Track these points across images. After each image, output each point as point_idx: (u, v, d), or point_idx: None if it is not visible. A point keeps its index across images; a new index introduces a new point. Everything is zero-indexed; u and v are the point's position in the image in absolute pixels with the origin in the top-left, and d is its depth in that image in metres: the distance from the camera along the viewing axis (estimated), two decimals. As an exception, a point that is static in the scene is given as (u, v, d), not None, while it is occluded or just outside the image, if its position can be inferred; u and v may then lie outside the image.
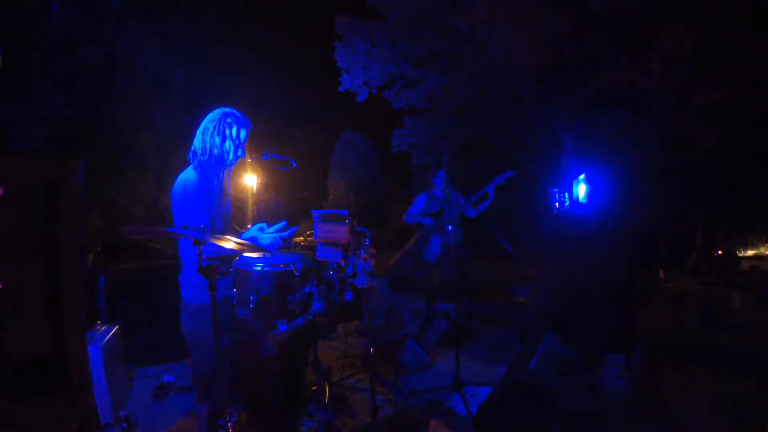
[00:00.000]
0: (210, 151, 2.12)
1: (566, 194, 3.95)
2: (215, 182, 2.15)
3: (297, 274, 1.96)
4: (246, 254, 2.08)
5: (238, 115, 2.20)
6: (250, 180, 5.63)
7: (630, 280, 3.70)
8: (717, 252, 9.04)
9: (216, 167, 2.15)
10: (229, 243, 1.91)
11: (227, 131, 2.14)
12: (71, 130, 6.48)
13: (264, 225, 2.28)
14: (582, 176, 3.89)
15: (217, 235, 2.01)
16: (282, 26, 15.74)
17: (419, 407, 2.91)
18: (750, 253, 14.07)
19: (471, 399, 2.76)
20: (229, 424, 1.81)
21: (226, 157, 2.16)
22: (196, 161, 2.14)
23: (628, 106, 6.32)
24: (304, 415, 2.57)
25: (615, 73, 5.95)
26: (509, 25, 6.07)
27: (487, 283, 6.62)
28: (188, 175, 2.12)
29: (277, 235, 2.22)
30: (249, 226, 2.41)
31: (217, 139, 2.13)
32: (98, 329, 2.96)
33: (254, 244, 2.15)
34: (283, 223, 2.26)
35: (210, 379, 2.03)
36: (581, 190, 3.89)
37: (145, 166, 7.68)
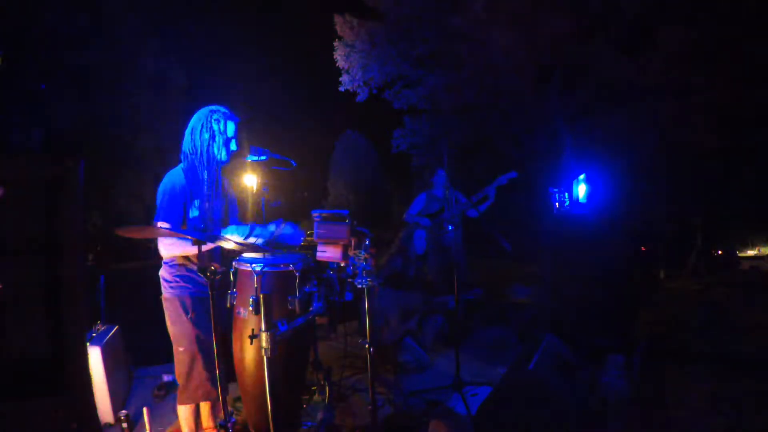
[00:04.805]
0: (200, 149, 2.10)
1: (566, 194, 3.95)
2: (206, 181, 2.11)
3: (297, 274, 1.96)
4: (246, 254, 2.08)
5: (224, 110, 2.17)
6: (250, 180, 5.62)
7: (630, 280, 3.70)
8: (717, 252, 9.04)
9: (207, 165, 2.11)
10: (229, 244, 1.91)
11: (215, 127, 2.11)
12: (71, 130, 6.48)
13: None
14: (582, 176, 3.89)
15: (215, 236, 2.01)
16: (282, 26, 15.76)
17: (419, 407, 2.91)
18: (750, 253, 14.04)
19: (471, 399, 2.75)
20: (230, 425, 1.81)
21: (218, 153, 2.13)
22: (187, 162, 2.12)
23: (627, 106, 6.32)
24: (304, 415, 2.57)
25: (615, 72, 5.95)
26: (509, 25, 6.08)
27: (487, 283, 6.61)
28: (176, 175, 2.07)
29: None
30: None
31: (206, 136, 2.10)
32: (98, 329, 2.96)
33: (254, 244, 2.16)
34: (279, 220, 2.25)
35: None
36: (581, 190, 3.89)
37: (145, 166, 7.67)
